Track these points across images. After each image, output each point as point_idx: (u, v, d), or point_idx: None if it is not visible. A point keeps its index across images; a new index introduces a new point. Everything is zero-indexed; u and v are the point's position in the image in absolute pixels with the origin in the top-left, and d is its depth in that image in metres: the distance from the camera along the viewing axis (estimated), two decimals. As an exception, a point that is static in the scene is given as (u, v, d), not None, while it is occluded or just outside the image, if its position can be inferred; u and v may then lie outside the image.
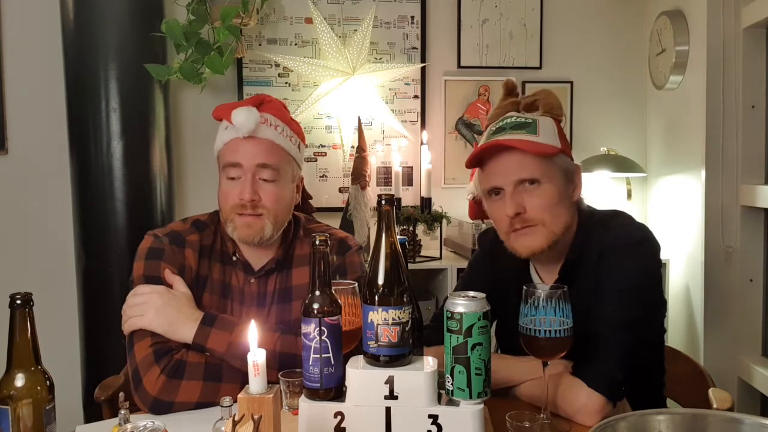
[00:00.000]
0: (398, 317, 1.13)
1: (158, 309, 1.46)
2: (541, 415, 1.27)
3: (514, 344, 1.33)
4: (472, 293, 1.15)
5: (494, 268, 1.59)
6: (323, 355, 1.12)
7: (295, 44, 3.10)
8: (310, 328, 1.12)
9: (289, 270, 1.63)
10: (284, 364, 1.41)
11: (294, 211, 1.68)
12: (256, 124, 1.52)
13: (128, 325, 1.48)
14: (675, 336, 2.95)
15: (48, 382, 1.11)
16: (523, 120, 1.44)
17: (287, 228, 1.64)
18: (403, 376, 1.12)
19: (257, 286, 1.61)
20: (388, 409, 1.12)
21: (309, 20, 3.07)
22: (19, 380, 1.08)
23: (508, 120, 1.46)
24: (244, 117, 1.51)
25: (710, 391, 1.49)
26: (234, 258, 1.62)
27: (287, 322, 1.55)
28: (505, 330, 1.54)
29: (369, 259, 1.18)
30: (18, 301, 1.08)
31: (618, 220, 1.50)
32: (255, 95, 1.64)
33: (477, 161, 1.48)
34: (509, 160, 1.42)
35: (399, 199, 2.97)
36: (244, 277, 1.61)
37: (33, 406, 1.08)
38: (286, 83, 3.10)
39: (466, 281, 1.65)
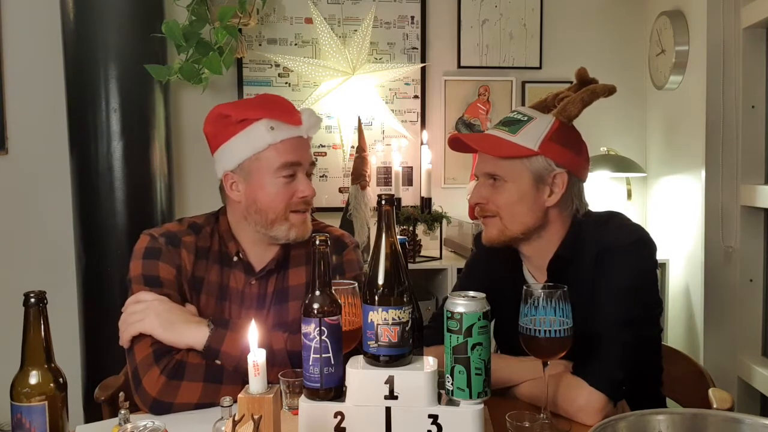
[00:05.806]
0: (398, 317, 1.13)
1: (160, 314, 1.44)
2: (541, 415, 1.27)
3: (512, 344, 1.34)
4: (472, 293, 1.14)
5: (490, 267, 1.60)
6: (323, 355, 1.12)
7: (295, 44, 3.10)
8: (310, 328, 1.12)
9: (286, 271, 1.62)
10: (296, 362, 1.39)
11: None
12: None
13: (132, 328, 1.45)
14: (675, 336, 2.95)
15: (62, 379, 1.12)
16: (518, 117, 1.49)
17: None
18: (403, 376, 1.12)
19: (258, 287, 1.59)
20: (388, 409, 1.12)
21: (309, 20, 3.07)
22: (34, 377, 1.08)
23: (509, 115, 1.51)
24: (314, 118, 1.62)
25: (710, 391, 1.49)
26: (235, 259, 1.59)
27: (285, 323, 1.55)
28: (503, 329, 1.55)
29: (369, 259, 1.18)
30: (32, 299, 1.09)
31: (615, 220, 1.50)
32: (262, 95, 1.67)
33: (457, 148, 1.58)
34: (482, 153, 1.50)
35: (399, 199, 2.97)
36: (245, 279, 1.59)
37: (49, 403, 1.08)
38: (286, 83, 3.10)
39: (463, 281, 1.65)
